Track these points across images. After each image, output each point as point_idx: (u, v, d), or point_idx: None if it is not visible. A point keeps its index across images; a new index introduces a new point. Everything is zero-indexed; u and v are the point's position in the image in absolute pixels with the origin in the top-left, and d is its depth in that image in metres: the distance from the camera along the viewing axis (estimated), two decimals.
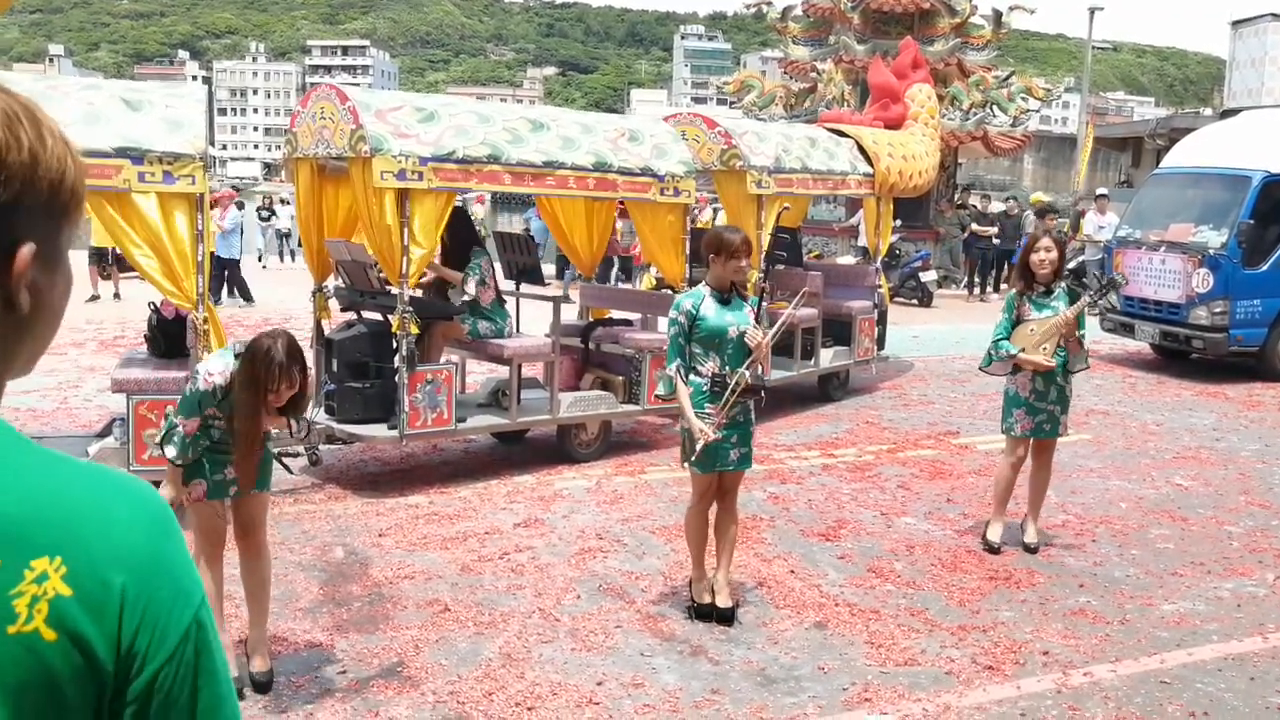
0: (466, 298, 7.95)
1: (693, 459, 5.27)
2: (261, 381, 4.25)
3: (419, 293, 7.95)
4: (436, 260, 7.97)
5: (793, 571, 6.14)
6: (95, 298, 16.94)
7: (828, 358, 10.82)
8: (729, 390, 5.16)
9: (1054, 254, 6.36)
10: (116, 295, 17.07)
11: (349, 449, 8.24)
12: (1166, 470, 8.67)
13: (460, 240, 8.07)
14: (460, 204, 8.33)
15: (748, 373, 5.20)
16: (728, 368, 5.23)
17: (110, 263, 17.25)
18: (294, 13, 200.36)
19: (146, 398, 6.39)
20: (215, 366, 4.44)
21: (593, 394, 8.47)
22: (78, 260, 19.90)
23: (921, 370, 13.03)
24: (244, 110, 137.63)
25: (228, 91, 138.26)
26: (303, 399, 4.49)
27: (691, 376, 5.28)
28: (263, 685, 4.60)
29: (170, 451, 4.49)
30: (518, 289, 9.06)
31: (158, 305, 7.30)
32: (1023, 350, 6.31)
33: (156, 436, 6.25)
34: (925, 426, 9.99)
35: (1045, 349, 6.31)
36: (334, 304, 8.23)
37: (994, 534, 6.61)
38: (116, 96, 6.30)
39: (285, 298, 17.71)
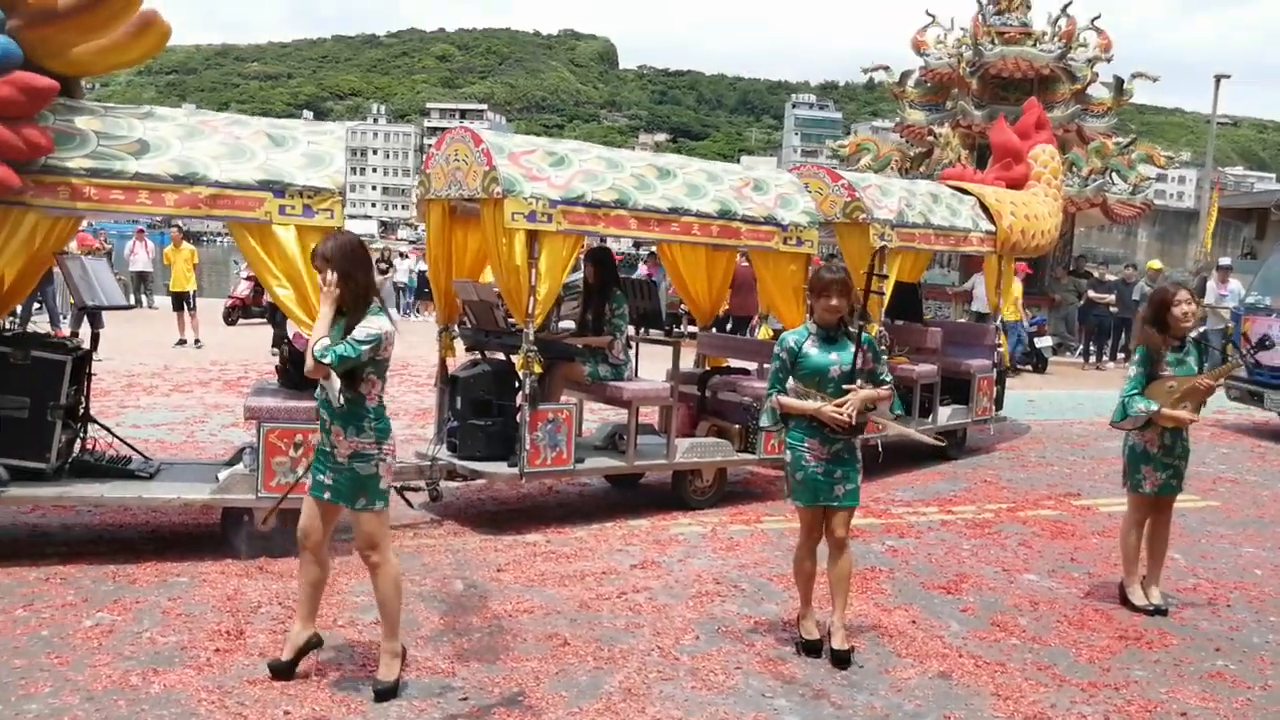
0: (617, 362, 8.09)
1: (790, 494, 5.42)
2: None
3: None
4: (557, 304, 8.09)
5: (914, 622, 6.00)
6: (182, 342, 17.47)
7: (945, 415, 10.65)
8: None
9: (1194, 307, 6.21)
10: (197, 342, 17.54)
11: (468, 486, 8.35)
12: None
13: (604, 279, 8.23)
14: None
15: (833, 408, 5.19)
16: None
17: (192, 308, 17.79)
18: (415, 76, 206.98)
19: (278, 425, 6.54)
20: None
21: (709, 441, 8.45)
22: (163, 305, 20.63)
23: (1038, 433, 12.74)
24: (364, 170, 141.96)
25: (349, 151, 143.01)
26: (355, 302, 4.64)
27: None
28: (382, 694, 4.71)
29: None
30: (638, 334, 9.13)
31: (290, 337, 7.52)
32: (1161, 407, 6.14)
33: (286, 464, 6.44)
34: (1045, 487, 9.74)
35: (1187, 406, 6.14)
36: (459, 343, 8.38)
37: (1138, 597, 6.39)
38: (261, 132, 6.56)
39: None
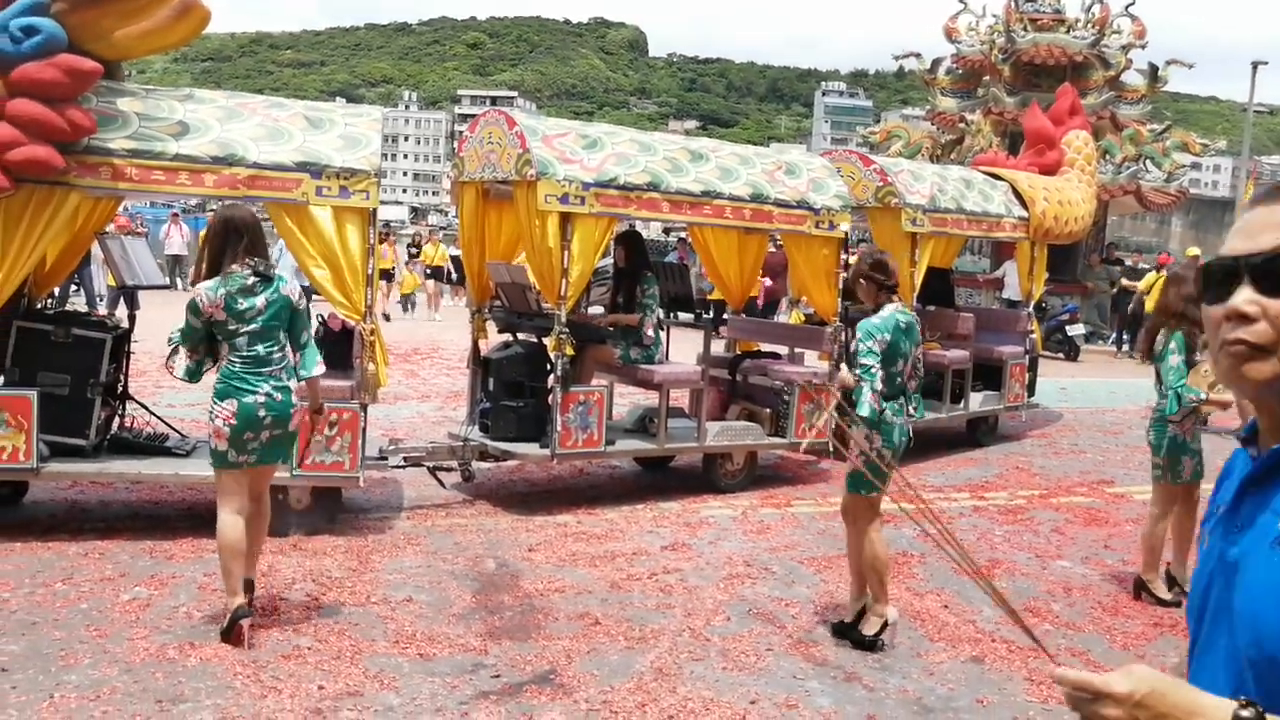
0: (648, 341, 8.12)
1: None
2: None
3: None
4: (589, 287, 8.10)
5: (946, 606, 6.00)
6: None
7: (977, 401, 10.61)
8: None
9: None
10: None
11: (500, 467, 8.39)
12: None
13: (635, 262, 8.27)
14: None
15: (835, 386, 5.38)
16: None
17: None
18: (446, 64, 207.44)
19: None
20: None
21: (740, 424, 8.46)
22: None
23: (1071, 421, 12.67)
24: (395, 156, 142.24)
25: (380, 138, 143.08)
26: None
27: None
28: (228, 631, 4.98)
29: None
30: (669, 317, 9.14)
31: (324, 318, 7.58)
32: (1206, 394, 6.06)
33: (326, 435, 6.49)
34: (1078, 474, 9.69)
35: (1219, 389, 6.08)
36: (491, 325, 8.42)
37: (1161, 590, 6.32)
38: (299, 114, 6.62)
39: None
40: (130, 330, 7.36)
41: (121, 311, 11.56)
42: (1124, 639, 5.64)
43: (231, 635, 4.95)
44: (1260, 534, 1.37)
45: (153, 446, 6.89)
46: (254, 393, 4.96)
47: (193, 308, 4.95)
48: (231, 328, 4.97)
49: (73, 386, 6.48)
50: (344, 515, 6.97)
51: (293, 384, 5.13)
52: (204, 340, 5.08)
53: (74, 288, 17.88)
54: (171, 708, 4.31)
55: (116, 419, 7.17)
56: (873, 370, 5.17)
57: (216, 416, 4.95)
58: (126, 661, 4.71)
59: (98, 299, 17.71)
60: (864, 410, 5.15)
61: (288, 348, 5.17)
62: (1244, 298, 1.38)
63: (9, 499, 6.95)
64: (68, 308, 13.10)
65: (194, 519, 6.93)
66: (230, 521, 5.00)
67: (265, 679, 4.61)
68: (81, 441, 6.52)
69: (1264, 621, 1.32)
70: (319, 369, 5.31)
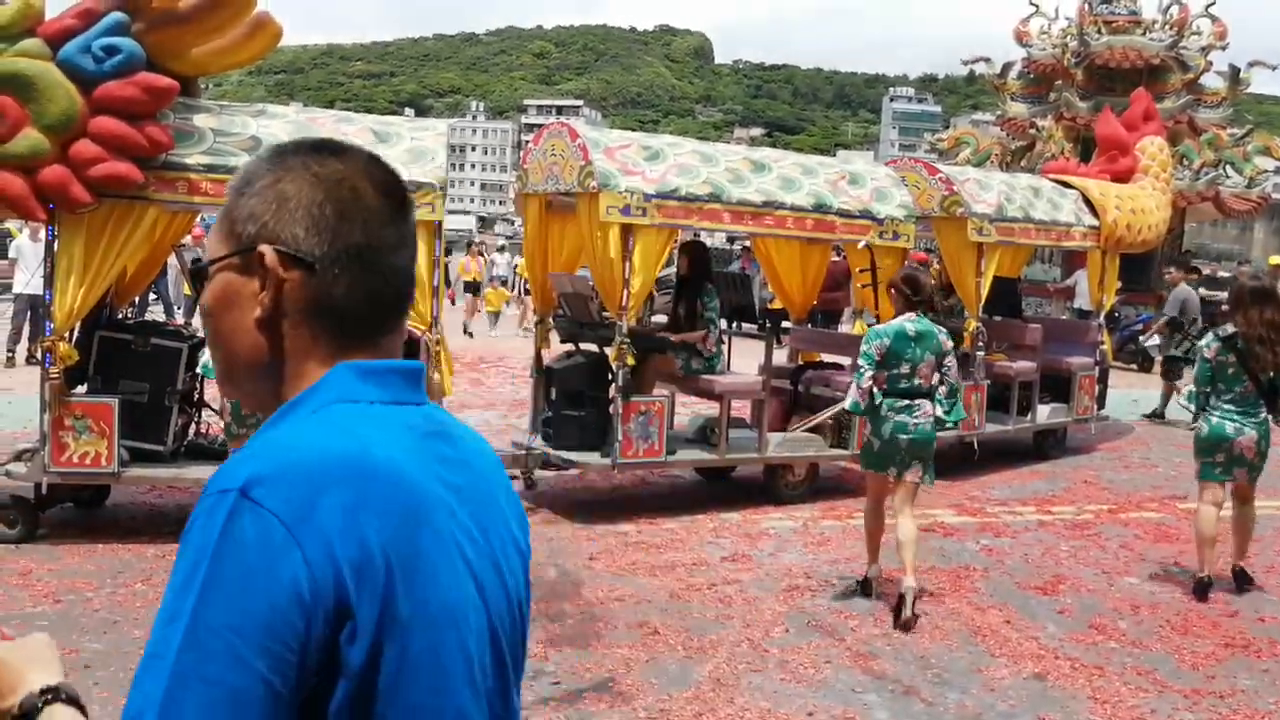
0: (709, 355, 8.17)
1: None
2: None
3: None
4: (652, 296, 8.14)
5: (1008, 622, 5.95)
6: None
7: (1045, 414, 10.47)
8: None
9: None
10: None
11: (562, 475, 8.48)
12: None
13: (696, 273, 8.31)
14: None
15: None
16: None
17: None
18: (513, 73, 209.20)
19: None
20: None
21: (801, 435, 8.45)
22: None
23: (1143, 434, 12.44)
24: (462, 165, 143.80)
25: (448, 147, 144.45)
26: None
27: None
28: None
29: None
30: (732, 328, 9.16)
31: None
32: None
33: None
34: (1148, 489, 9.52)
35: None
36: (554, 335, 8.51)
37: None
38: (367, 128, 6.78)
39: None
40: (205, 340, 7.56)
41: (197, 321, 11.84)
42: (1193, 659, 5.54)
43: None
44: None
45: (226, 453, 7.07)
46: None
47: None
48: None
49: (151, 394, 6.69)
50: None
51: None
52: None
53: (153, 297, 18.37)
54: None
55: (192, 425, 7.38)
56: (860, 369, 5.95)
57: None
58: None
59: (175, 309, 18.15)
60: (847, 402, 6.09)
61: None
62: None
63: (92, 502, 7.19)
64: (146, 318, 13.47)
65: None
66: None
67: None
68: (159, 447, 6.73)
69: None
70: None
